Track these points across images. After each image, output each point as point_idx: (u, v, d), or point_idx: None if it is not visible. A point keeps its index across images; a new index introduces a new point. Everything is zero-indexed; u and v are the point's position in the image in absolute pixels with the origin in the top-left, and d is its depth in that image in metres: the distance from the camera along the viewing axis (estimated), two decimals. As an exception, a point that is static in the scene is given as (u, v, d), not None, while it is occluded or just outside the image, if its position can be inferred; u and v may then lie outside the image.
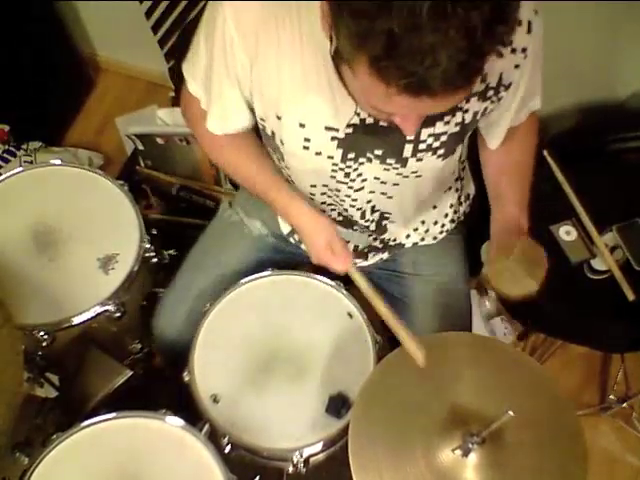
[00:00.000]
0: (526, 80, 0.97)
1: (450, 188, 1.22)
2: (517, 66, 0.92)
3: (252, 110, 1.02)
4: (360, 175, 1.04)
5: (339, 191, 1.09)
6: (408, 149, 0.97)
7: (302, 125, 0.95)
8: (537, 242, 0.99)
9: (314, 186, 1.09)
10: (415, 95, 0.66)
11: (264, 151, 1.13)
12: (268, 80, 0.93)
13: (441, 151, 0.99)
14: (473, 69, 0.65)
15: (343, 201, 1.11)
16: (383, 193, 1.08)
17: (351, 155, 0.99)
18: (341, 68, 0.76)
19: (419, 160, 0.99)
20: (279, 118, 0.97)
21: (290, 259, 1.33)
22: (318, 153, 0.99)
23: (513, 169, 1.11)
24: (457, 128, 0.96)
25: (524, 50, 0.90)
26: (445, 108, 0.74)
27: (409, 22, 0.60)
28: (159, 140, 1.73)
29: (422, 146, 0.97)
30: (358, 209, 1.12)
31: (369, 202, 1.11)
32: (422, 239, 1.26)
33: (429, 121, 0.94)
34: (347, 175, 1.04)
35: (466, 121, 0.96)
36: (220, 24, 0.89)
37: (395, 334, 0.98)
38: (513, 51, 0.90)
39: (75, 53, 2.22)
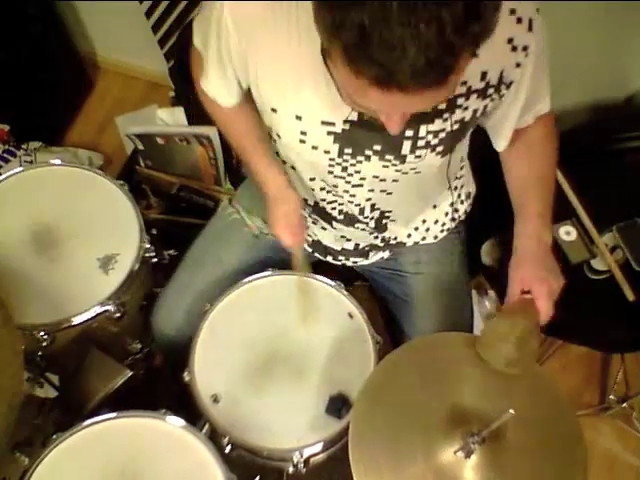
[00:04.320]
0: (529, 79, 0.96)
1: (450, 187, 1.22)
2: (518, 64, 0.92)
3: (242, 89, 1.05)
4: (358, 172, 1.04)
5: (337, 187, 1.09)
6: (407, 146, 0.97)
7: (298, 118, 0.96)
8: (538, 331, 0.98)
9: (313, 179, 1.10)
10: (385, 88, 0.67)
11: (258, 118, 1.13)
12: (264, 72, 0.93)
13: (440, 148, 0.99)
14: (443, 66, 0.65)
15: (342, 197, 1.12)
16: (382, 190, 1.09)
17: (348, 150, 1.00)
18: (327, 63, 0.76)
19: (418, 157, 0.99)
20: (274, 111, 0.97)
21: (290, 258, 1.33)
22: (314, 147, 1.00)
23: (536, 181, 1.10)
24: (456, 126, 0.96)
25: (525, 48, 0.90)
26: (423, 107, 0.74)
27: (379, 14, 0.61)
28: (159, 140, 1.73)
29: (421, 143, 0.97)
30: (357, 205, 1.13)
31: (368, 200, 1.11)
32: (423, 238, 1.26)
33: (428, 118, 0.94)
34: (344, 169, 1.04)
35: (466, 119, 0.96)
36: (216, 13, 0.91)
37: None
38: (514, 49, 0.89)
39: (75, 53, 2.23)
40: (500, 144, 1.10)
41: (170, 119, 1.79)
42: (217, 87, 1.07)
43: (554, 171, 1.13)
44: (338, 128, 0.96)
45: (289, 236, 1.13)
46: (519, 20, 0.87)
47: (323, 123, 0.95)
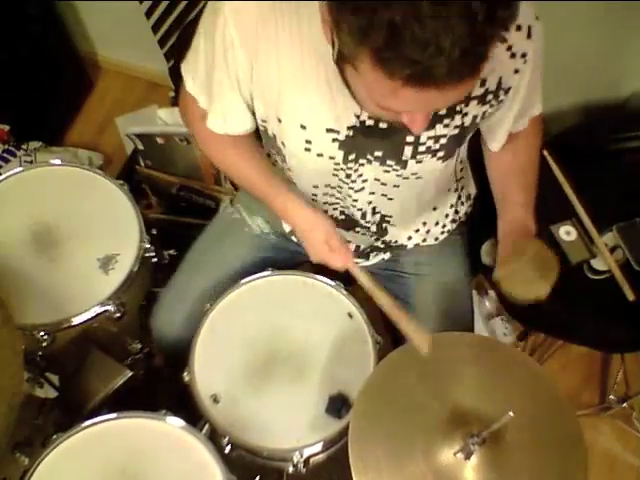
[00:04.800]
0: (525, 86, 0.97)
1: (450, 189, 1.22)
2: (517, 71, 0.92)
3: (253, 113, 1.02)
4: (361, 176, 1.04)
5: (341, 191, 1.09)
6: (408, 151, 0.98)
7: (303, 127, 0.95)
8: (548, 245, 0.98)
9: (316, 187, 1.09)
10: (421, 86, 0.65)
11: (262, 151, 1.13)
12: (268, 81, 0.93)
13: (441, 153, 0.99)
14: (477, 56, 0.65)
15: (345, 200, 1.11)
16: (384, 195, 1.09)
17: (352, 156, 1.00)
18: (345, 71, 0.75)
19: (419, 162, 1.00)
20: (280, 120, 0.97)
21: (291, 258, 1.33)
22: (320, 154, 0.99)
23: (518, 171, 1.12)
24: (456, 131, 0.96)
25: (524, 55, 0.90)
26: (455, 100, 0.73)
27: (410, 11, 0.60)
28: (159, 140, 1.73)
29: (422, 148, 0.97)
30: (359, 209, 1.13)
31: (370, 203, 1.11)
32: (424, 240, 1.26)
33: (429, 124, 0.94)
34: (348, 176, 1.04)
35: (465, 124, 0.96)
36: (220, 25, 0.89)
37: (398, 325, 0.98)
38: (513, 56, 0.90)
39: (75, 53, 2.22)
40: (494, 145, 1.11)
41: (170, 119, 1.79)
42: (230, 117, 1.03)
43: (537, 162, 1.14)
44: (342, 135, 0.96)
45: (338, 259, 1.08)
46: (518, 27, 0.87)
47: (328, 131, 0.95)
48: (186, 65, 1.04)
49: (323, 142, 0.97)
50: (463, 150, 1.15)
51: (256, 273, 1.23)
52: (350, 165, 1.01)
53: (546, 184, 1.18)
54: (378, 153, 0.98)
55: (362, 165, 1.01)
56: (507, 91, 0.95)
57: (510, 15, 0.64)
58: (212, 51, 0.94)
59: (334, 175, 1.04)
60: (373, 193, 1.08)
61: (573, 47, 1.46)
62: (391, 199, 1.09)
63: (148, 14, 1.82)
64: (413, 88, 0.66)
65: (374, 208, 1.13)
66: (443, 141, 0.97)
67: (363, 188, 1.07)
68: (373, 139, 0.95)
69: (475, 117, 0.96)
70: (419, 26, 0.60)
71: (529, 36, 0.89)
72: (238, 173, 1.16)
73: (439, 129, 0.95)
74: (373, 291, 1.04)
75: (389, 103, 0.72)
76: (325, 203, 1.14)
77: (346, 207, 1.13)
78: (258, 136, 1.10)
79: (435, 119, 0.93)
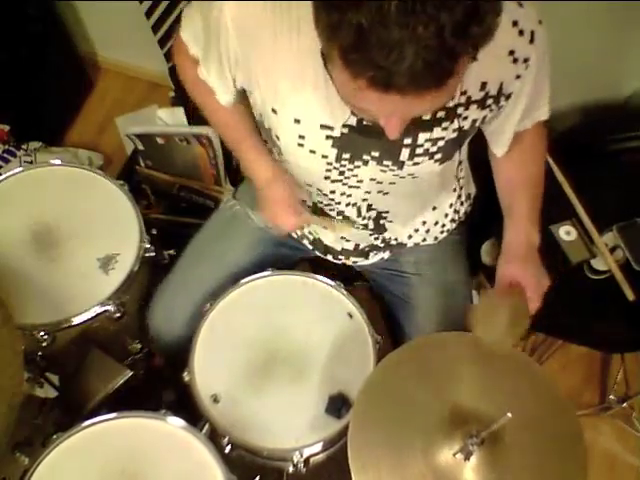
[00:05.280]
0: (528, 91, 0.96)
1: (450, 189, 1.22)
2: (518, 77, 0.92)
3: (239, 93, 1.04)
4: (356, 176, 1.04)
5: (334, 191, 1.09)
6: (405, 153, 0.97)
7: (297, 121, 0.95)
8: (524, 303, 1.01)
9: (310, 185, 1.09)
10: (383, 90, 0.66)
11: (249, 114, 1.13)
12: (265, 73, 0.93)
13: (438, 156, 0.99)
14: (442, 69, 0.65)
15: (339, 203, 1.12)
16: (379, 191, 1.09)
17: (346, 155, 0.99)
18: (327, 66, 0.76)
19: (416, 164, 0.99)
20: (274, 112, 0.97)
21: (292, 254, 1.33)
22: (312, 151, 0.99)
23: (525, 182, 1.12)
24: (455, 134, 0.96)
25: (526, 60, 0.90)
26: (421, 110, 0.74)
27: (377, 16, 0.61)
28: (159, 140, 1.73)
29: (419, 150, 0.97)
30: (353, 205, 1.13)
31: (364, 200, 1.11)
32: (424, 239, 1.26)
33: (427, 126, 0.94)
34: (342, 173, 1.03)
35: (464, 128, 0.96)
36: (216, 14, 0.90)
37: None
38: (515, 61, 0.89)
39: (75, 53, 2.22)
40: (499, 150, 1.11)
41: (170, 119, 1.79)
42: (215, 82, 1.05)
43: (542, 172, 1.14)
44: (337, 132, 0.95)
45: (291, 216, 1.08)
46: (521, 32, 0.87)
47: (322, 127, 0.95)
48: (188, 19, 1.03)
49: (316, 138, 0.97)
50: (463, 152, 1.15)
51: (256, 267, 1.23)
52: (344, 164, 1.01)
53: (546, 184, 1.18)
54: (375, 153, 0.98)
55: (358, 167, 1.01)
56: (508, 97, 0.95)
57: (483, 33, 0.64)
58: (208, 31, 0.95)
59: (326, 178, 1.04)
60: (369, 192, 1.08)
61: (573, 47, 1.46)
62: (387, 194, 1.09)
63: (148, 14, 1.81)
64: (376, 91, 0.67)
65: (369, 205, 1.13)
66: (441, 144, 0.97)
67: (358, 187, 1.07)
68: (370, 138, 0.95)
69: (474, 121, 0.96)
70: (385, 31, 0.61)
71: (532, 41, 0.88)
72: (218, 117, 1.16)
73: (437, 132, 0.95)
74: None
75: (357, 103, 0.74)
76: (320, 202, 1.14)
77: (340, 203, 1.13)
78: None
79: (433, 122, 0.93)
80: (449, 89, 0.68)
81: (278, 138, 1.01)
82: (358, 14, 0.61)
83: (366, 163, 1.00)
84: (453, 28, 0.61)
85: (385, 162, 1.00)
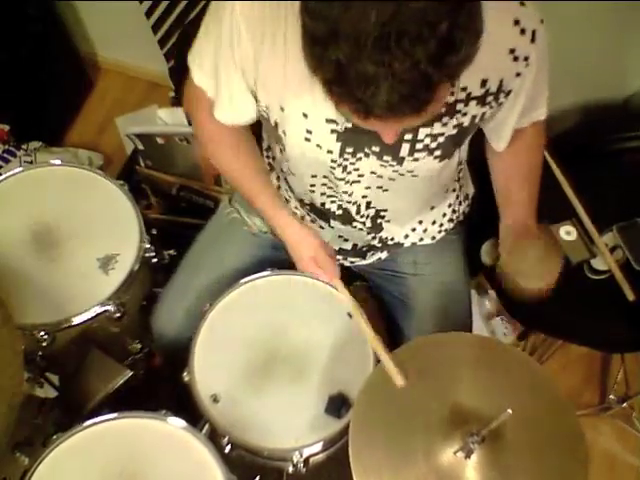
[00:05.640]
0: (528, 89, 0.97)
1: (449, 189, 1.22)
2: (518, 74, 0.92)
3: (256, 100, 1.03)
4: (357, 170, 1.04)
5: (337, 184, 1.09)
6: (405, 148, 0.98)
7: (305, 115, 0.96)
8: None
9: (315, 176, 1.10)
10: (363, 118, 0.70)
11: (259, 155, 1.16)
12: (274, 72, 0.93)
13: (438, 152, 0.99)
14: (419, 101, 0.67)
15: (340, 194, 1.12)
16: (379, 187, 1.09)
17: (349, 149, 1.00)
18: None
19: (415, 160, 1.00)
20: (282, 109, 0.97)
21: (289, 257, 1.33)
22: (319, 145, 1.00)
23: (521, 173, 1.14)
24: (455, 131, 0.96)
25: (526, 58, 0.90)
26: (409, 126, 0.76)
27: (354, 52, 0.63)
28: (159, 140, 1.73)
29: (419, 146, 0.97)
30: (354, 203, 1.13)
31: (364, 197, 1.11)
32: (421, 239, 1.26)
33: (427, 121, 0.94)
34: (344, 169, 1.04)
35: (464, 124, 0.96)
36: (228, 15, 0.91)
37: (378, 355, 1.03)
38: (515, 59, 0.90)
39: (75, 53, 2.22)
40: (500, 145, 1.12)
41: (170, 119, 1.79)
42: (236, 102, 1.04)
43: (540, 163, 1.16)
44: (341, 127, 0.96)
45: (324, 275, 1.17)
46: (523, 31, 0.87)
47: (327, 121, 0.96)
48: (192, 56, 1.04)
49: (322, 132, 0.97)
50: (463, 152, 1.15)
51: (255, 272, 1.23)
52: (347, 157, 1.01)
53: (546, 184, 1.18)
54: (375, 148, 0.99)
55: (360, 159, 1.02)
56: (507, 94, 0.95)
57: (460, 62, 0.65)
58: (219, 38, 0.95)
59: (331, 168, 1.05)
60: (369, 187, 1.08)
61: (574, 47, 1.46)
62: (386, 191, 1.09)
63: (148, 14, 1.82)
64: (359, 118, 0.70)
65: (369, 203, 1.13)
66: (441, 140, 0.97)
67: (359, 181, 1.07)
68: (371, 134, 0.95)
69: (474, 117, 0.96)
70: (362, 67, 0.63)
71: (533, 40, 0.89)
72: (233, 172, 1.19)
73: (437, 127, 0.95)
74: (355, 314, 1.11)
75: (348, 118, 0.78)
76: (323, 194, 1.14)
77: (342, 201, 1.13)
78: (258, 142, 1.12)
79: (434, 117, 0.93)
80: (433, 110, 0.71)
81: (285, 134, 1.01)
82: (337, 50, 0.63)
83: (367, 156, 1.01)
84: (428, 61, 0.62)
85: (385, 157, 1.00)
